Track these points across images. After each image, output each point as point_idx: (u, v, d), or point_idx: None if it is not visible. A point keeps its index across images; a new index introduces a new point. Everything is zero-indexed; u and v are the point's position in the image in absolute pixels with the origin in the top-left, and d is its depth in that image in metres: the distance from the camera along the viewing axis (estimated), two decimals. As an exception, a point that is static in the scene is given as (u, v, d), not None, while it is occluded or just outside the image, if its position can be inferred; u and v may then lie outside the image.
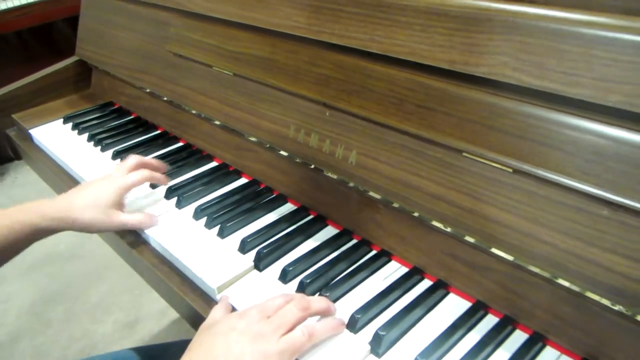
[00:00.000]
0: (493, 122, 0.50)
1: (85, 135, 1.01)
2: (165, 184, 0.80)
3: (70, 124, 1.07)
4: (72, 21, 2.41)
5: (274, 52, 0.71)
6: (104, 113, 1.10)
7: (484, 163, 0.51)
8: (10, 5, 2.28)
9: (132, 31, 1.03)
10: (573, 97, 0.44)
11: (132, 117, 1.07)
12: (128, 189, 0.73)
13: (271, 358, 0.46)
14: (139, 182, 0.75)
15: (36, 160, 1.03)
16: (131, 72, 1.04)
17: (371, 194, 0.64)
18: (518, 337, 0.52)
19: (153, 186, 0.82)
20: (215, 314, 0.55)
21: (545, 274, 0.50)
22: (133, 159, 0.77)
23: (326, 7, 0.62)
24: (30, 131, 1.07)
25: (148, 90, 1.03)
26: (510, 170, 0.49)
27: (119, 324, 1.68)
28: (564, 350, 0.50)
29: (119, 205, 0.72)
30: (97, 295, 1.81)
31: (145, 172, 0.76)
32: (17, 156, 1.19)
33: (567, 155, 0.45)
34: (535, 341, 0.51)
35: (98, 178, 0.75)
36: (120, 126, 1.04)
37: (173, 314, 1.70)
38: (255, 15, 0.72)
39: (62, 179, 0.94)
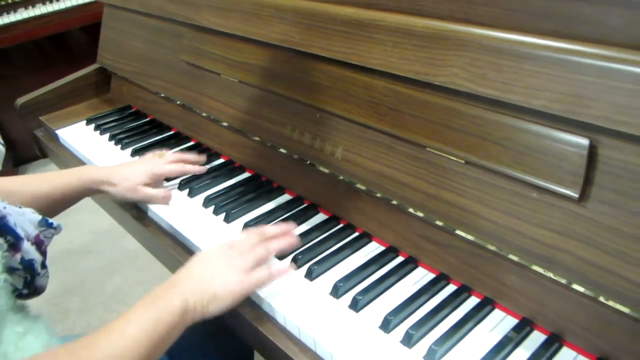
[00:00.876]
0: (448, 122, 0.60)
1: (107, 135, 1.13)
2: (201, 172, 0.92)
3: (92, 125, 1.19)
4: (87, 29, 2.55)
5: (273, 62, 0.83)
6: (123, 115, 1.22)
7: (442, 156, 0.62)
8: (31, 14, 2.42)
9: (149, 42, 1.14)
10: (508, 101, 0.55)
11: (148, 119, 1.19)
12: (160, 176, 0.87)
13: (235, 278, 0.61)
14: (172, 174, 0.89)
15: (62, 158, 1.15)
16: (147, 78, 1.16)
17: (357, 185, 0.75)
18: (472, 302, 0.63)
19: (167, 180, 0.93)
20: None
21: (492, 248, 0.60)
22: (173, 155, 0.91)
23: (316, 25, 0.74)
24: (57, 132, 1.19)
25: (162, 95, 1.15)
26: (463, 161, 0.60)
27: (132, 313, 1.79)
28: (508, 311, 0.61)
29: (149, 184, 0.85)
30: (112, 288, 1.93)
31: (178, 166, 0.89)
32: (43, 154, 1.31)
33: (504, 149, 0.56)
34: (486, 304, 0.62)
35: (139, 160, 0.91)
36: (137, 127, 1.15)
37: (183, 304, 1.81)
38: (257, 31, 0.83)
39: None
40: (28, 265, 0.60)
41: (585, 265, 0.52)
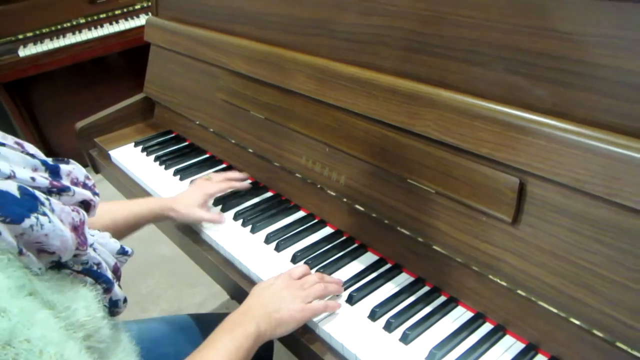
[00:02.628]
0: (423, 160, 0.79)
1: (152, 156, 1.34)
2: (245, 188, 1.11)
3: (140, 147, 1.40)
4: (125, 53, 2.79)
5: (292, 105, 1.03)
6: (165, 139, 1.43)
7: (419, 186, 0.81)
8: (78, 39, 2.68)
9: (189, 79, 1.36)
10: (464, 148, 0.73)
11: (187, 143, 1.40)
12: (212, 195, 1.06)
13: (297, 307, 0.76)
14: (222, 191, 1.08)
15: (115, 175, 1.36)
16: (187, 109, 1.37)
17: (356, 206, 0.94)
18: (441, 299, 0.81)
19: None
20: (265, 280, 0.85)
21: (458, 259, 0.79)
22: (220, 175, 1.11)
23: (327, 79, 0.93)
24: (110, 152, 1.40)
25: (198, 123, 1.36)
26: (433, 191, 0.79)
27: (164, 313, 2.00)
28: (467, 307, 0.79)
29: (204, 205, 1.04)
30: (146, 289, 2.15)
31: (225, 184, 1.08)
32: (96, 171, 1.53)
33: (462, 183, 0.74)
34: (451, 301, 0.80)
35: (193, 186, 1.08)
36: (178, 150, 1.36)
37: (210, 306, 2.01)
38: (280, 79, 1.03)
39: (135, 190, 1.27)
40: (114, 304, 0.67)
41: (518, 273, 0.70)
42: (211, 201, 1.10)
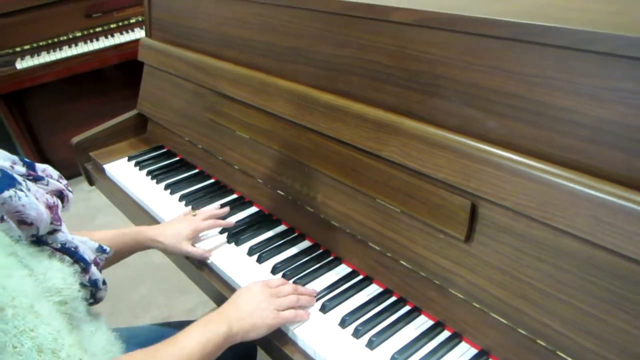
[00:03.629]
0: (389, 182, 0.87)
1: (145, 171, 1.42)
2: (229, 226, 1.14)
3: (133, 162, 1.47)
4: (121, 65, 2.86)
5: (273, 127, 1.10)
6: (157, 154, 1.51)
7: (386, 205, 0.89)
8: (74, 52, 2.75)
9: (180, 98, 1.43)
10: (424, 173, 0.81)
11: (177, 158, 1.48)
12: (200, 231, 1.09)
13: (270, 314, 0.84)
14: (209, 228, 1.11)
15: (109, 188, 1.44)
16: (177, 126, 1.45)
17: (332, 222, 1.02)
18: (406, 309, 0.89)
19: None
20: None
21: (422, 272, 0.87)
22: (207, 212, 1.13)
23: (305, 104, 1.01)
24: (104, 166, 1.48)
25: (187, 139, 1.43)
26: (399, 210, 0.87)
27: (155, 319, 2.07)
28: (429, 316, 0.86)
29: (192, 239, 1.08)
30: (138, 296, 2.21)
31: (211, 222, 1.11)
32: (91, 183, 1.61)
33: (422, 204, 0.82)
34: (414, 311, 0.88)
35: (181, 217, 1.12)
36: (169, 165, 1.44)
37: (200, 312, 2.08)
38: (262, 102, 1.11)
39: (127, 202, 1.34)
40: (94, 282, 0.78)
41: (471, 286, 0.78)
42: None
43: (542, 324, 0.72)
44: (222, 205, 1.20)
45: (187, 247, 1.06)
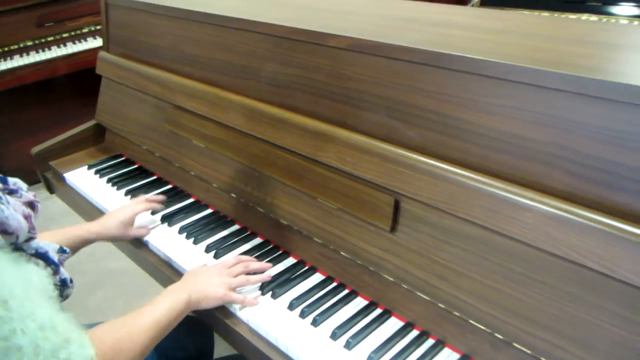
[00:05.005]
0: (327, 184, 1.02)
1: (105, 178, 1.51)
2: (161, 210, 1.30)
3: (93, 170, 1.56)
4: (72, 75, 2.90)
5: (227, 137, 1.23)
6: (116, 162, 1.60)
7: (325, 204, 1.03)
8: (26, 62, 2.77)
9: (138, 109, 1.53)
10: (356, 174, 0.96)
11: (136, 166, 1.57)
12: (137, 214, 1.22)
13: (221, 290, 0.98)
14: (144, 210, 1.24)
15: (69, 195, 1.52)
16: (136, 136, 1.55)
17: (281, 221, 1.15)
18: (344, 292, 1.03)
19: (153, 213, 1.31)
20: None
21: (358, 261, 1.01)
22: (142, 197, 1.28)
23: (255, 117, 1.15)
24: (64, 174, 1.56)
25: (145, 148, 1.53)
26: (336, 207, 1.01)
27: (114, 321, 2.13)
28: (365, 298, 1.01)
29: (131, 223, 1.21)
30: (95, 302, 2.27)
31: (147, 204, 1.25)
32: (51, 191, 1.68)
33: (356, 201, 0.97)
34: (352, 294, 1.02)
35: (119, 207, 1.24)
36: (128, 172, 1.53)
37: (157, 314, 2.16)
38: (217, 115, 1.24)
39: (89, 208, 1.43)
40: (63, 281, 0.87)
41: (397, 269, 0.93)
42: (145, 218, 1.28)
43: (455, 297, 0.88)
44: (180, 208, 1.32)
45: (131, 231, 1.20)
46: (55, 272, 0.86)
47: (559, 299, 0.77)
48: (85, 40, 2.93)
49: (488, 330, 0.85)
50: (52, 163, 1.63)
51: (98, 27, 2.97)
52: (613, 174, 0.72)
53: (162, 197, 1.32)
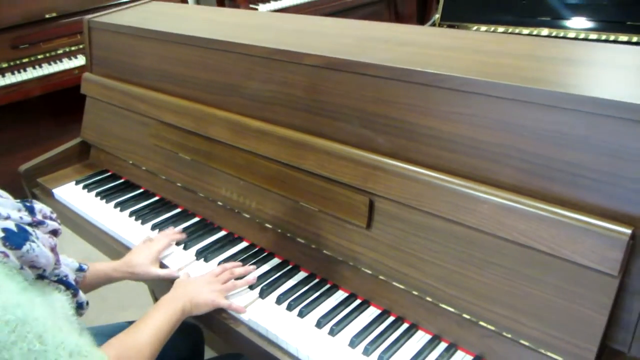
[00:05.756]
0: (307, 188, 1.12)
1: (93, 192, 1.58)
2: (183, 238, 1.32)
3: (81, 185, 1.63)
4: (46, 96, 2.93)
5: (213, 149, 1.33)
6: (103, 177, 1.67)
7: (305, 206, 1.14)
8: (2, 83, 2.81)
9: (123, 126, 1.62)
10: (335, 179, 1.07)
11: (123, 180, 1.65)
12: (160, 252, 1.25)
13: (211, 297, 1.06)
14: (167, 246, 1.27)
15: (58, 210, 1.58)
16: (122, 151, 1.63)
17: (266, 225, 1.25)
18: (325, 285, 1.13)
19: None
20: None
21: (339, 257, 1.12)
22: (162, 234, 1.30)
23: (239, 130, 1.25)
24: (53, 190, 1.62)
25: (132, 163, 1.61)
26: (316, 209, 1.12)
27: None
28: (346, 291, 1.12)
29: (157, 260, 1.24)
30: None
31: (167, 239, 1.27)
32: (38, 207, 1.73)
33: (335, 203, 1.08)
34: (333, 287, 1.12)
35: (141, 245, 1.25)
36: (116, 186, 1.61)
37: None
38: (202, 129, 1.33)
39: (79, 221, 1.50)
40: (80, 305, 0.93)
41: (373, 261, 1.04)
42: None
43: (425, 283, 0.99)
44: (172, 222, 1.40)
45: (155, 272, 1.20)
46: (74, 294, 0.91)
47: (514, 279, 0.89)
48: (61, 61, 2.98)
49: (456, 311, 0.97)
50: (40, 180, 1.69)
51: (73, 49, 3.03)
52: (552, 168, 0.85)
53: (180, 233, 1.34)
